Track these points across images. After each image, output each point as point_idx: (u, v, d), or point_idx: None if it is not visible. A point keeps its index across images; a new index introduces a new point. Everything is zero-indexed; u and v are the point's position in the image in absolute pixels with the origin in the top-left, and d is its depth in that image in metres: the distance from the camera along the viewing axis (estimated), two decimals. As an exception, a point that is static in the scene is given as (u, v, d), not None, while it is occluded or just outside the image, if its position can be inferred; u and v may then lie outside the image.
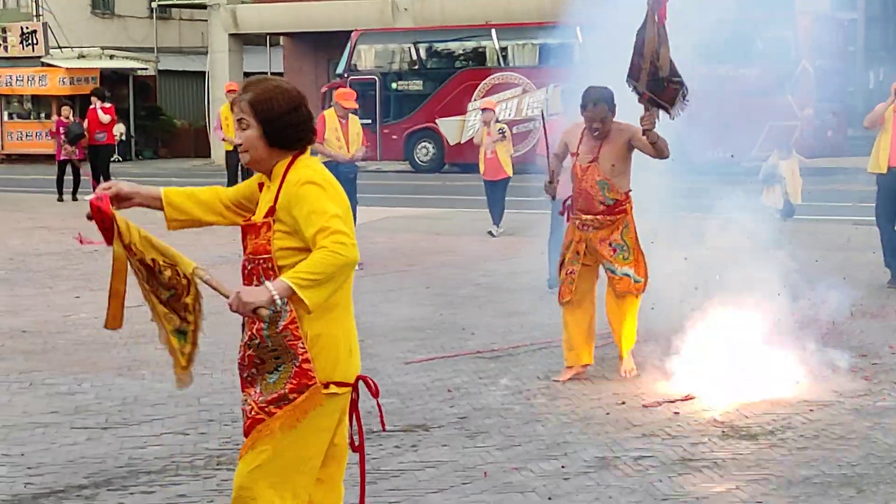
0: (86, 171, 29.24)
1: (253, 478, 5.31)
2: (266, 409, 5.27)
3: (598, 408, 9.39)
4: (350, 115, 18.07)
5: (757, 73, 30.48)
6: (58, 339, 12.53)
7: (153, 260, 5.79)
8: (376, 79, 40.80)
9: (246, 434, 5.38)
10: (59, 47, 51.48)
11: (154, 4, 55.37)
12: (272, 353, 5.29)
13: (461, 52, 40.56)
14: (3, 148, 45.49)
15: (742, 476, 7.69)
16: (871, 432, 8.73)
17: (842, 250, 16.31)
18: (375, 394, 5.58)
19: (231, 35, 49.19)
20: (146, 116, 53.71)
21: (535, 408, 9.31)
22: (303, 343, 5.24)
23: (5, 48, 51.45)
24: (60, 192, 30.57)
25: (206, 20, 51.05)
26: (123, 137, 45.83)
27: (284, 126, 5.39)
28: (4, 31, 51.51)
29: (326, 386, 5.26)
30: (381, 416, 5.64)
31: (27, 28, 51.64)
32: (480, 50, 40.33)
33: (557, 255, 10.87)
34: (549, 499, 7.31)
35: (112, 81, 48.19)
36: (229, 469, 7.96)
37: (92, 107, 31.15)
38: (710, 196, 12.47)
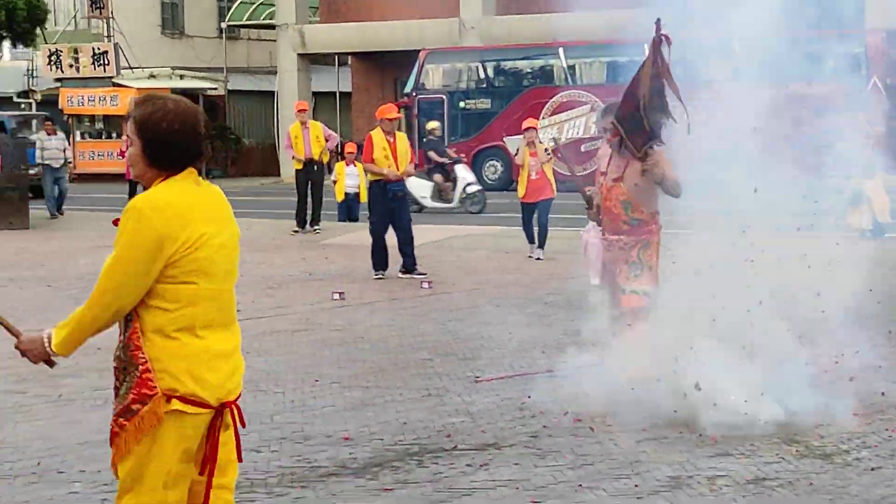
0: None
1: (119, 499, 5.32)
2: (117, 422, 5.17)
3: (670, 426, 9.33)
4: (398, 132, 18.15)
5: (827, 91, 30.12)
6: (129, 356, 12.58)
7: None
8: (444, 97, 40.87)
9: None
10: (130, 67, 51.91)
11: (223, 25, 55.76)
12: (123, 363, 5.20)
13: (528, 70, 40.58)
14: (74, 167, 45.75)
15: (817, 496, 7.60)
16: (949, 452, 8.62)
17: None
18: (242, 424, 5.50)
19: (299, 55, 49.46)
20: (215, 136, 53.95)
21: (607, 426, 9.25)
22: (143, 353, 5.10)
23: (77, 69, 51.90)
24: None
25: (275, 40, 51.39)
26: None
27: (165, 145, 5.35)
28: (76, 52, 51.96)
29: (169, 400, 5.09)
30: (238, 446, 5.43)
31: (98, 49, 52.09)
32: (548, 68, 40.33)
33: None
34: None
35: (182, 102, 48.47)
36: (303, 486, 8.02)
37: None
38: (791, 215, 12.30)
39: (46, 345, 5.25)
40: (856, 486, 7.81)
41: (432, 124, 33.26)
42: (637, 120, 9.81)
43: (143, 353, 5.11)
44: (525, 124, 20.52)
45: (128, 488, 5.24)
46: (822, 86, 16.81)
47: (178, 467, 5.25)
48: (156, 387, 5.09)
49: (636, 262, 9.95)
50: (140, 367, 5.09)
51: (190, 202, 5.21)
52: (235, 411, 5.35)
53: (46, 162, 31.04)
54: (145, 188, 5.31)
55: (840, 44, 33.35)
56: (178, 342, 5.14)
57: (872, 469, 8.21)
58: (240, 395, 5.35)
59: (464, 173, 31.25)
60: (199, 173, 5.33)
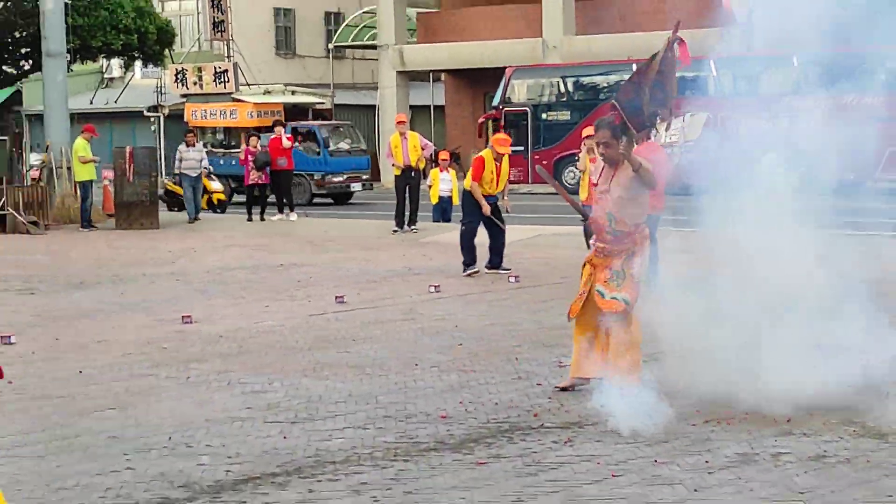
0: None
1: None
2: None
3: (737, 408, 9.24)
4: (504, 156, 18.28)
5: (881, 101, 29.70)
6: (250, 344, 12.69)
7: None
8: (528, 110, 41.01)
9: None
10: (248, 84, 52.23)
11: (330, 46, 56.00)
12: None
13: (605, 84, 40.29)
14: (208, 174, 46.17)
15: (875, 471, 7.49)
16: None
17: None
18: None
19: (398, 72, 49.58)
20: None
21: (681, 407, 9.16)
22: None
23: (200, 86, 52.37)
24: (250, 214, 30.94)
25: (377, 59, 51.46)
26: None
27: None
28: (200, 70, 52.45)
29: None
30: None
31: (220, 68, 52.49)
32: (622, 82, 40.09)
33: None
34: (695, 490, 7.20)
35: (293, 115, 48.75)
36: (405, 460, 8.01)
37: (275, 136, 31.62)
38: (852, 214, 12.09)
39: None
40: (911, 464, 7.71)
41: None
42: (636, 105, 9.67)
43: None
44: (584, 132, 20.42)
45: None
46: (876, 97, 16.56)
47: None
48: None
49: (618, 271, 9.64)
50: None
51: None
52: None
53: (185, 171, 30.89)
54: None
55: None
56: None
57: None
58: None
59: None
60: None
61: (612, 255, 9.70)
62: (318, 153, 38.49)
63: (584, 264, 10.09)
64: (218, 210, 34.15)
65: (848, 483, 7.32)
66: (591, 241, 10.43)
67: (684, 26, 10.14)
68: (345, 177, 38.29)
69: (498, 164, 18.04)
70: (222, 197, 35.00)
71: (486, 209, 17.97)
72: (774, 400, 9.19)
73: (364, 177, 39.42)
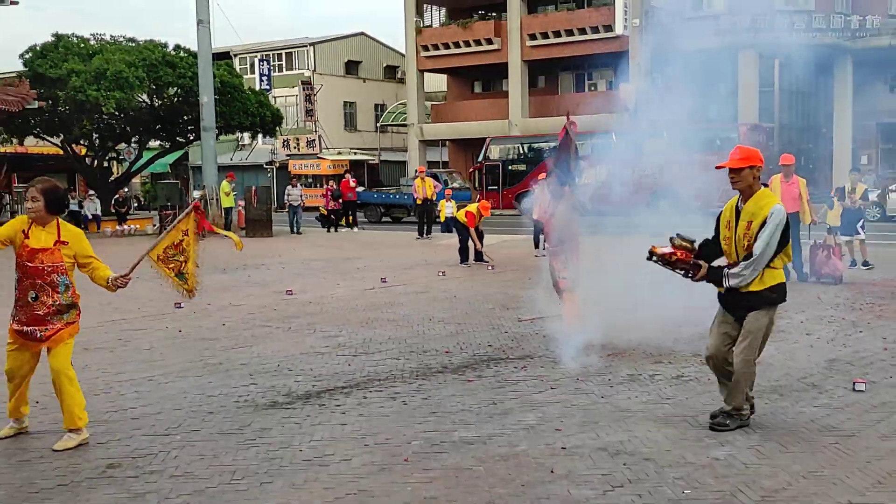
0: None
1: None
2: None
3: (629, 346, 9.18)
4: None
5: (716, 158, 29.88)
6: (327, 307, 12.65)
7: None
8: (500, 164, 40.97)
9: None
10: (327, 148, 52.37)
11: (378, 124, 56.12)
12: None
13: (546, 147, 40.20)
14: (303, 204, 46.23)
15: (713, 386, 7.37)
16: None
17: None
18: None
19: (420, 140, 49.56)
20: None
21: (596, 346, 9.08)
22: None
23: (298, 149, 52.63)
24: (327, 228, 31.03)
25: (407, 132, 51.44)
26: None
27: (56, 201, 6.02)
28: (298, 140, 52.67)
29: None
30: None
31: (310, 138, 52.65)
32: (555, 146, 40.01)
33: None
34: (602, 397, 7.12)
35: (355, 167, 48.83)
36: (423, 379, 7.97)
37: (345, 179, 31.72)
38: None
39: None
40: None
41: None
42: (564, 165, 9.57)
43: None
44: (539, 177, 20.27)
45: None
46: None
47: None
48: None
49: (564, 261, 9.55)
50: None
51: None
52: None
53: (291, 203, 30.95)
54: None
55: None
56: None
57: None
58: None
59: None
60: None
61: (560, 253, 9.54)
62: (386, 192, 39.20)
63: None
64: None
65: (696, 392, 7.30)
66: (541, 244, 10.32)
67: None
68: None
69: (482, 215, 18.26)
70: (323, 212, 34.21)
71: (479, 246, 18.15)
72: (650, 342, 9.19)
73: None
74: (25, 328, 5.97)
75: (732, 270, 6.05)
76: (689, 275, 6.27)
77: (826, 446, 5.81)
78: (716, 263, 6.29)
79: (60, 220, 6.15)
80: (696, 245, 6.33)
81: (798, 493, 5.01)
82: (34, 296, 5.93)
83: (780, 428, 6.22)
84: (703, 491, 5.06)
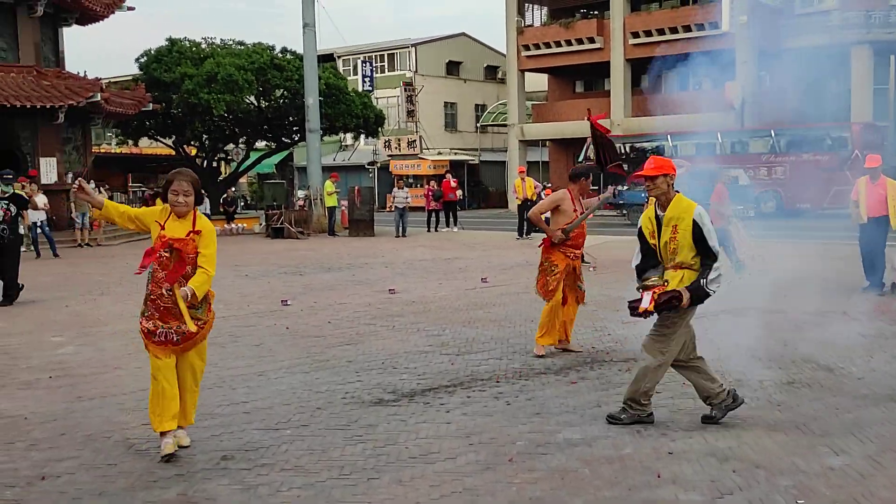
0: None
1: None
2: None
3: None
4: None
5: (828, 159, 28.96)
6: (430, 306, 12.77)
7: None
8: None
9: None
10: (427, 148, 52.78)
11: (478, 124, 56.27)
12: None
13: (647, 147, 39.60)
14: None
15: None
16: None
17: None
18: None
19: (520, 140, 49.41)
20: (474, 186, 54.54)
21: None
22: None
23: (399, 149, 53.12)
24: (429, 227, 31.24)
25: (507, 132, 51.42)
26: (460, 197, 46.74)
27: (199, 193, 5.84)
28: (399, 140, 53.22)
29: None
30: None
31: (411, 139, 53.13)
32: (660, 146, 39.40)
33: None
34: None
35: (455, 167, 49.07)
36: (526, 379, 7.96)
37: (446, 179, 31.88)
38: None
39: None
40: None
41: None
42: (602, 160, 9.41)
43: None
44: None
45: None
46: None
47: None
48: None
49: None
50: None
51: None
52: None
53: (396, 205, 30.00)
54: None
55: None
56: None
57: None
58: None
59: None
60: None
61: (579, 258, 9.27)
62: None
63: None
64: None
65: (808, 399, 7.07)
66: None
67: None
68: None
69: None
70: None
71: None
72: (757, 347, 8.97)
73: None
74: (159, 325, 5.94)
75: (710, 277, 6.07)
76: (677, 304, 6.12)
77: (948, 458, 5.56)
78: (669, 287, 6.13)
79: (198, 211, 5.97)
80: (657, 277, 6.27)
81: (919, 506, 4.81)
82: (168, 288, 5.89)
83: (898, 438, 5.99)
84: (816, 500, 4.91)
